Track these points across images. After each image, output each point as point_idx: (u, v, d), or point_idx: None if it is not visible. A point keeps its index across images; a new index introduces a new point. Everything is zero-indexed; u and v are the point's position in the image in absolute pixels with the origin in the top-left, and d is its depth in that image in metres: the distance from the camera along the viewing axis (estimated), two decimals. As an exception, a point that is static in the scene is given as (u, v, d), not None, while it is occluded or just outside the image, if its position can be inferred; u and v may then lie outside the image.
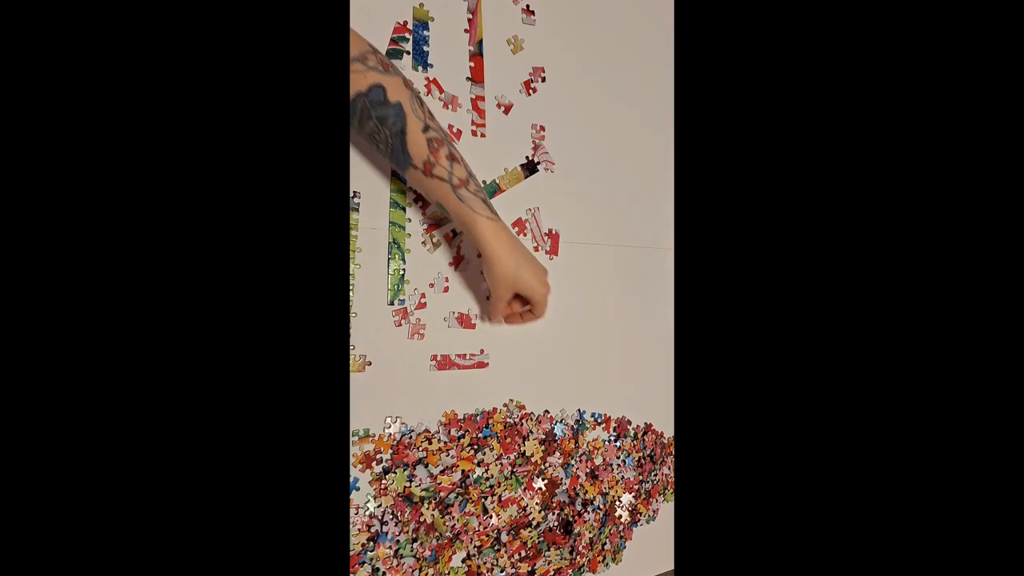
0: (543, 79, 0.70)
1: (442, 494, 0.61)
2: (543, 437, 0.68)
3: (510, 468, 0.65)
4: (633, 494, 0.75)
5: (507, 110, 0.68)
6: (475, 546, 0.63)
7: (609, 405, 0.74)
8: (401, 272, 0.60)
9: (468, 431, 0.63)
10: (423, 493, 0.60)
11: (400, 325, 0.60)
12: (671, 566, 0.79)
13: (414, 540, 0.59)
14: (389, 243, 0.60)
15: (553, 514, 0.68)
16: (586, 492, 0.71)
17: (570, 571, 0.69)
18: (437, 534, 0.60)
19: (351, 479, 0.56)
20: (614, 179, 0.76)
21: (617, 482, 0.73)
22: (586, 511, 0.70)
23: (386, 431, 0.59)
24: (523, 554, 0.66)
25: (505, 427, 0.65)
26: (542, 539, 0.67)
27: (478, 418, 0.64)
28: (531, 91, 0.69)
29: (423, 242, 0.62)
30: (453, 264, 0.64)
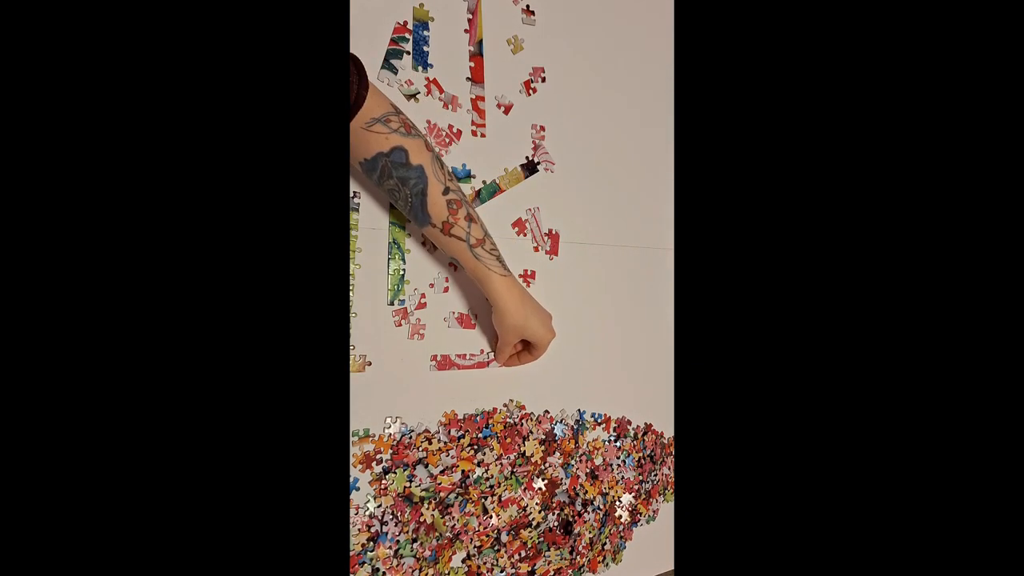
0: (543, 79, 0.70)
1: (442, 494, 0.61)
2: (543, 437, 0.68)
3: (510, 468, 0.65)
4: (633, 494, 0.75)
5: (507, 110, 0.68)
6: (475, 546, 0.63)
7: (609, 405, 0.74)
8: (401, 272, 0.60)
9: (468, 431, 0.63)
10: (423, 493, 0.60)
11: (400, 325, 0.60)
12: (671, 566, 0.79)
13: (414, 540, 0.59)
14: (389, 243, 0.60)
15: (553, 514, 0.68)
16: (586, 492, 0.71)
17: (570, 571, 0.69)
18: (437, 534, 0.60)
19: (351, 479, 0.56)
20: (614, 179, 0.76)
21: (617, 482, 0.73)
22: (586, 511, 0.70)
23: (386, 431, 0.59)
24: (523, 554, 0.66)
25: (505, 427, 0.65)
26: (542, 539, 0.67)
27: (478, 418, 0.64)
28: (531, 91, 0.69)
29: (423, 242, 0.62)
30: (453, 264, 0.64)
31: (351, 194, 0.58)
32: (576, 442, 0.70)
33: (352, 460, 0.56)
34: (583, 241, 0.73)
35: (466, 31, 0.65)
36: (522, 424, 0.67)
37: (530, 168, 0.69)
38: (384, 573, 0.57)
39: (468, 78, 0.65)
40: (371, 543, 0.57)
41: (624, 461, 0.74)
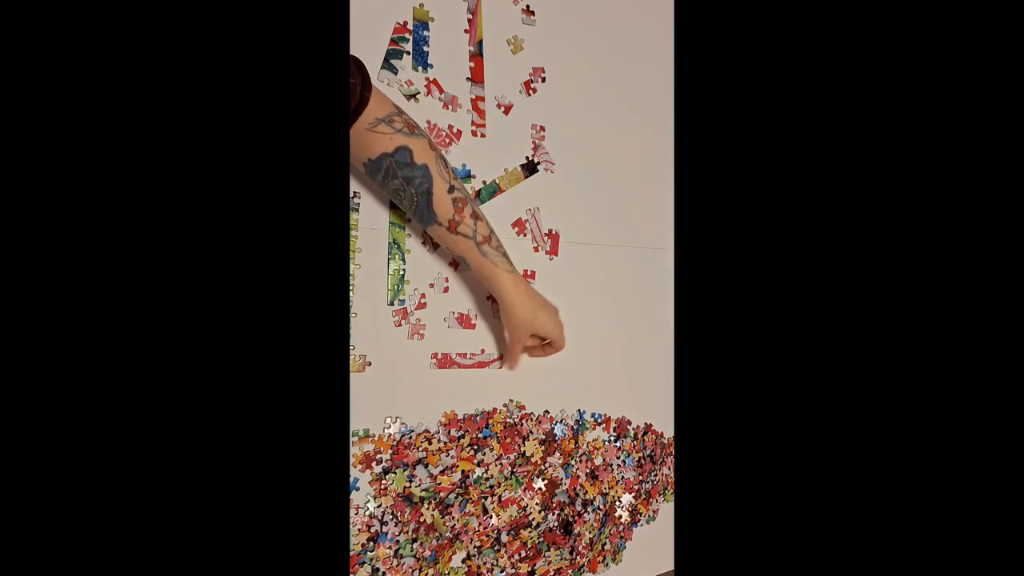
0: (543, 79, 0.70)
1: (442, 494, 0.61)
2: (543, 437, 0.68)
3: (510, 468, 0.65)
4: (633, 494, 0.75)
5: (507, 110, 0.68)
6: (475, 546, 0.63)
7: (609, 405, 0.74)
8: (401, 272, 0.60)
9: (468, 431, 0.63)
10: (423, 493, 0.60)
11: (400, 325, 0.60)
12: (671, 566, 0.79)
13: (414, 540, 0.59)
14: (389, 243, 0.60)
15: (553, 514, 0.68)
16: (586, 492, 0.71)
17: (570, 571, 0.69)
18: (437, 534, 0.60)
19: (351, 479, 0.56)
20: (614, 179, 0.76)
21: (617, 482, 0.73)
22: (586, 511, 0.70)
23: (386, 431, 0.59)
24: (523, 554, 0.66)
25: (505, 427, 0.65)
26: (542, 539, 0.67)
27: (478, 418, 0.64)
28: (531, 91, 0.69)
29: (423, 242, 0.62)
30: (453, 264, 0.64)
31: (351, 194, 0.58)
32: (576, 442, 0.70)
33: (352, 460, 0.56)
34: (583, 241, 0.73)
35: (466, 31, 0.65)
36: (522, 424, 0.67)
37: (530, 168, 0.69)
38: (384, 573, 0.57)
39: (468, 78, 0.65)
40: (371, 543, 0.57)
41: (624, 461, 0.74)
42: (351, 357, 0.57)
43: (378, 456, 0.58)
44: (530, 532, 0.66)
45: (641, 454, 0.76)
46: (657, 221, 0.80)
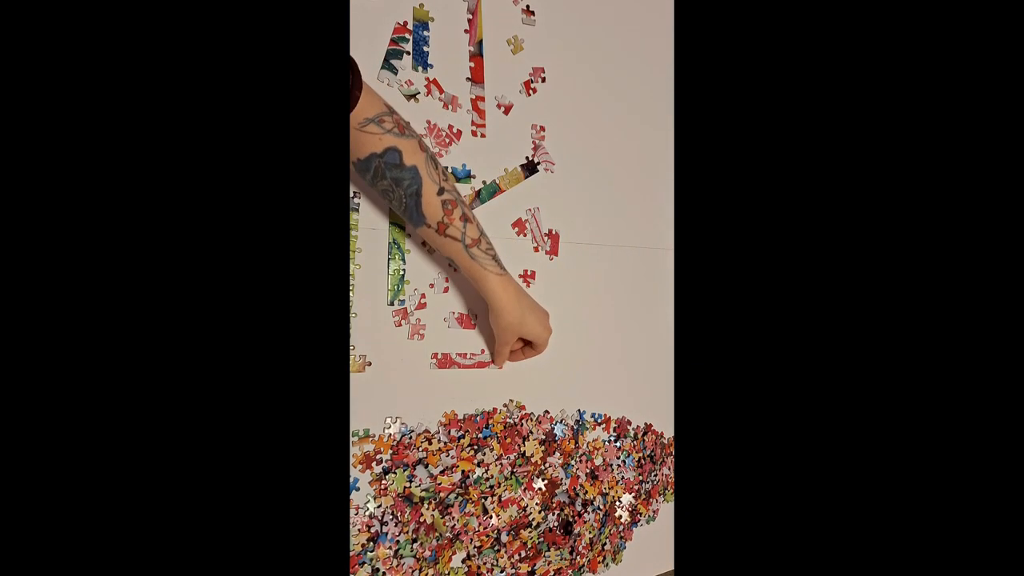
0: (543, 79, 0.70)
1: (442, 494, 0.61)
2: (543, 437, 0.68)
3: (510, 468, 0.65)
4: (633, 494, 0.75)
5: (507, 110, 0.68)
6: (475, 546, 0.63)
7: (609, 405, 0.74)
8: (401, 272, 0.60)
9: (468, 431, 0.63)
10: (423, 493, 0.60)
11: (400, 325, 0.60)
12: (671, 566, 0.79)
13: (414, 540, 0.59)
14: (389, 243, 0.60)
15: (553, 514, 0.68)
16: (586, 492, 0.71)
17: (570, 571, 0.69)
18: (437, 534, 0.60)
19: (351, 479, 0.56)
20: (614, 179, 0.76)
21: (617, 482, 0.73)
22: (586, 511, 0.70)
23: (386, 431, 0.59)
24: (523, 554, 0.66)
25: (505, 427, 0.65)
26: (542, 539, 0.67)
27: (478, 418, 0.64)
28: (531, 91, 0.69)
29: (423, 243, 0.62)
30: (453, 265, 0.64)
31: (351, 194, 0.58)
32: (576, 442, 0.70)
33: (352, 460, 0.56)
34: (583, 241, 0.73)
35: (466, 31, 0.65)
36: (522, 424, 0.67)
37: (530, 168, 0.69)
38: (384, 573, 0.57)
39: (468, 78, 0.65)
40: (371, 543, 0.57)
41: (624, 461, 0.74)
42: (351, 357, 0.57)
43: (378, 456, 0.58)
44: (530, 532, 0.66)
45: (641, 454, 0.76)
46: (657, 221, 0.80)
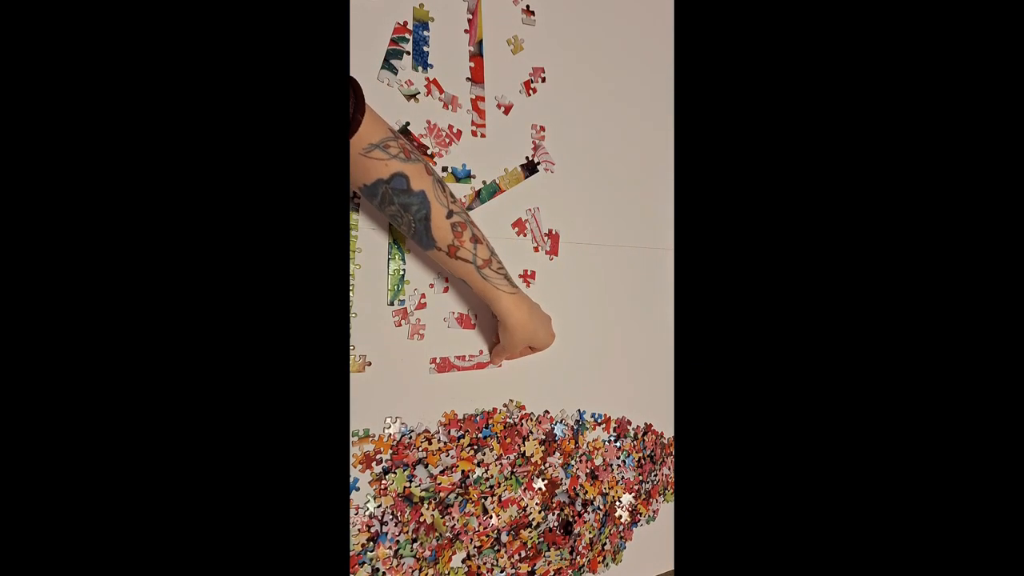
0: (543, 79, 0.70)
1: (442, 494, 0.61)
2: (543, 437, 0.68)
3: (510, 468, 0.65)
4: (633, 494, 0.75)
5: (507, 110, 0.68)
6: (475, 546, 0.63)
7: (609, 405, 0.74)
8: (401, 272, 0.60)
9: (468, 431, 0.63)
10: (423, 493, 0.60)
11: (400, 325, 0.60)
12: (671, 566, 0.79)
13: (414, 540, 0.59)
14: (389, 243, 0.60)
15: (553, 514, 0.68)
16: (586, 492, 0.71)
17: (570, 571, 0.69)
18: (437, 534, 0.60)
19: (351, 479, 0.56)
20: (614, 179, 0.76)
21: (617, 482, 0.73)
22: (586, 511, 0.70)
23: (386, 431, 0.59)
24: (523, 554, 0.66)
25: (505, 427, 0.65)
26: (542, 539, 0.67)
27: (478, 418, 0.64)
28: (531, 91, 0.69)
29: (423, 242, 0.62)
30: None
31: (351, 194, 0.58)
32: (576, 442, 0.70)
33: (352, 460, 0.56)
34: (583, 241, 0.73)
35: (466, 31, 0.65)
36: (522, 424, 0.67)
37: (530, 168, 0.69)
38: (384, 573, 0.57)
39: (468, 78, 0.65)
40: (371, 543, 0.57)
41: (624, 461, 0.74)
42: (351, 357, 0.57)
43: (378, 456, 0.58)
44: (530, 532, 0.66)
45: (641, 454, 0.76)
46: (657, 221, 0.80)
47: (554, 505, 0.68)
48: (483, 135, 0.66)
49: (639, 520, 0.76)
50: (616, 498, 0.73)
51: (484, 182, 0.66)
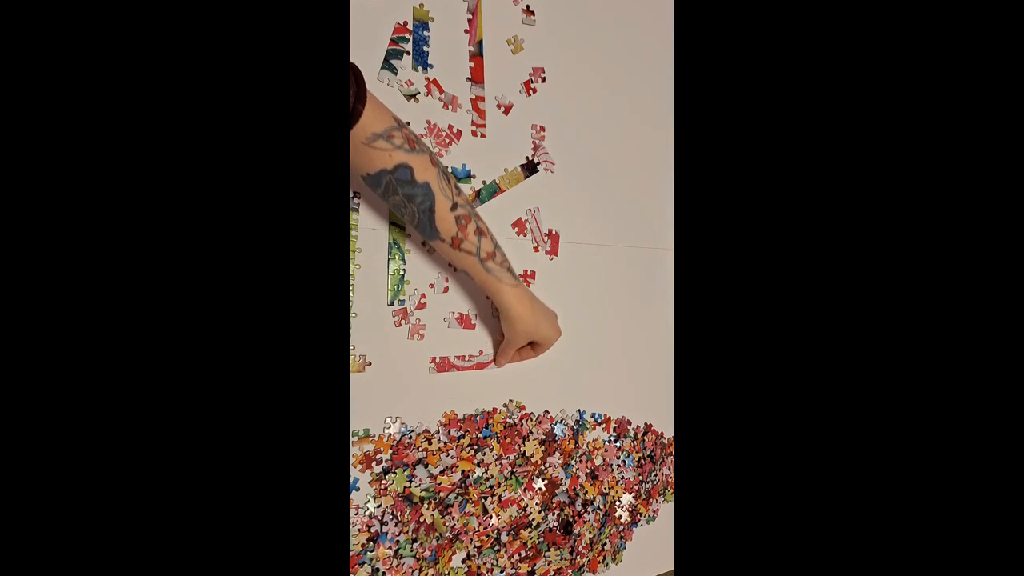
0: (543, 79, 0.70)
1: (442, 494, 0.61)
2: (543, 437, 0.68)
3: (510, 468, 0.65)
4: (633, 494, 0.75)
5: (507, 110, 0.68)
6: (475, 546, 0.63)
7: (609, 405, 0.74)
8: (401, 272, 0.60)
9: (468, 431, 0.63)
10: (423, 493, 0.60)
11: (400, 325, 0.60)
12: (671, 566, 0.79)
13: (414, 540, 0.59)
14: (389, 243, 0.60)
15: (553, 514, 0.68)
16: (586, 492, 0.71)
17: (570, 571, 0.69)
18: (437, 534, 0.60)
19: (351, 479, 0.56)
20: (614, 179, 0.76)
21: (617, 482, 0.73)
22: (586, 511, 0.70)
23: (386, 431, 0.59)
24: (523, 554, 0.66)
25: (505, 427, 0.65)
26: (542, 539, 0.67)
27: (478, 418, 0.64)
28: (531, 91, 0.69)
29: (423, 242, 0.62)
30: (453, 265, 0.64)
31: (351, 194, 0.58)
32: (576, 442, 0.70)
33: (352, 460, 0.56)
34: (583, 241, 0.73)
35: (466, 31, 0.65)
36: (522, 424, 0.67)
37: (530, 168, 0.69)
38: (384, 573, 0.57)
39: (468, 78, 0.65)
40: (371, 543, 0.57)
41: (624, 461, 0.74)
42: (351, 357, 0.57)
43: (378, 456, 0.58)
44: (530, 532, 0.66)
45: (641, 454, 0.76)
46: (657, 221, 0.80)
47: (554, 505, 0.68)
48: (483, 135, 0.66)
49: (639, 520, 0.76)
50: (616, 498, 0.73)
51: (484, 182, 0.66)
